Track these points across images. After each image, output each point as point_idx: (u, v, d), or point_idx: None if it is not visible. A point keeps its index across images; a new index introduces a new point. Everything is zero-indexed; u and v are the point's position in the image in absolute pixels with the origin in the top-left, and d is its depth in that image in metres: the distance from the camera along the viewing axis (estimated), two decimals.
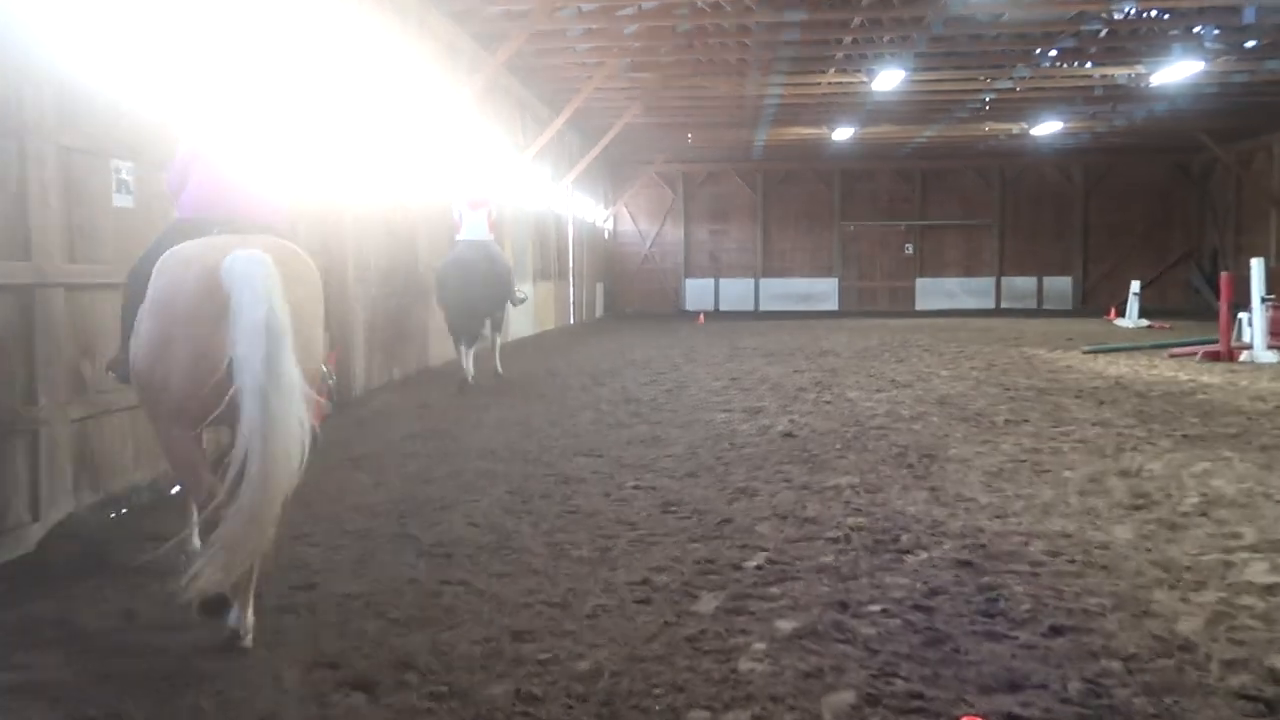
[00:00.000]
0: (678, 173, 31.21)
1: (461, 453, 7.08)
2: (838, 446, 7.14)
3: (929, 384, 10.85)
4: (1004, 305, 30.42)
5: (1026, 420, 8.20)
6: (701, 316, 26.67)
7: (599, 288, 28.99)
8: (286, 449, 2.68)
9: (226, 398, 2.76)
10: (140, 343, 3.11)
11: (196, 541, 3.73)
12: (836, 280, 31.20)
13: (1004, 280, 30.73)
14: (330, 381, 4.03)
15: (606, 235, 31.03)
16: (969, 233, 30.96)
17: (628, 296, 31.75)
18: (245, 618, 3.23)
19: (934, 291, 30.89)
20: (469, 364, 10.50)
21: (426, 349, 12.50)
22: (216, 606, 3.10)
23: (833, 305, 30.92)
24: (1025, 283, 30.63)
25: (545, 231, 20.57)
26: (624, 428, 8.19)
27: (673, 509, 5.34)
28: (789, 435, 7.65)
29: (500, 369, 11.28)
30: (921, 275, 31.05)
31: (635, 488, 5.87)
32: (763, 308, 31.02)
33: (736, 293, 31.34)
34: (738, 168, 31.07)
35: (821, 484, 5.90)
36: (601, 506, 5.42)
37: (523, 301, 11.37)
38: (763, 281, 31.35)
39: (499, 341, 11.42)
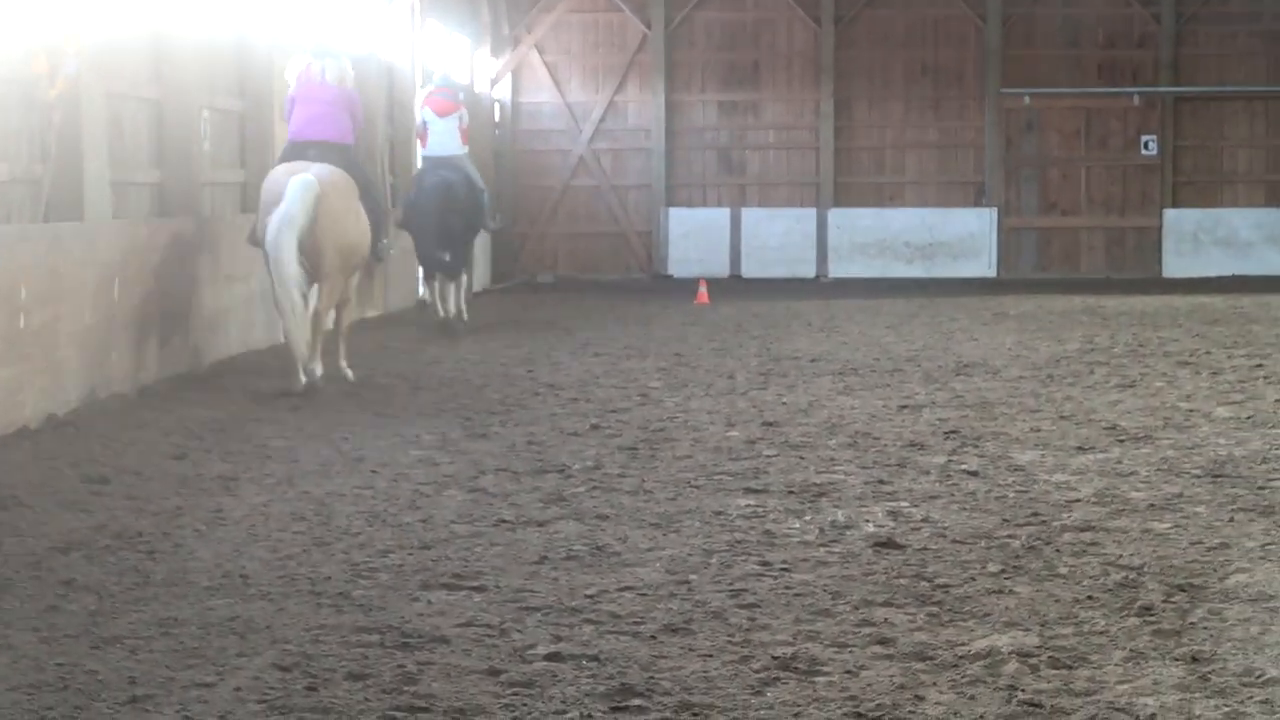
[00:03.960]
0: None
1: (178, 579, 7.08)
2: (992, 569, 7.20)
3: (1188, 435, 10.95)
4: None
5: None
6: (703, 289, 26.75)
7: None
8: (282, 262, 13.80)
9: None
10: (260, 221, 14.64)
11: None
12: (992, 214, 31.45)
13: None
14: (391, 249, 17.64)
15: (498, 114, 31.02)
16: (1274, 111, 31.33)
17: (544, 246, 31.82)
18: (316, 368, 14.09)
19: (1200, 237, 31.23)
20: (439, 301, 19.86)
21: (106, 359, 12.44)
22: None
23: (985, 267, 31.18)
24: None
25: (364, 107, 20.55)
26: (531, 527, 8.24)
27: (634, 703, 5.37)
28: (887, 545, 7.73)
29: (465, 315, 20.59)
30: (1175, 204, 31.37)
31: (553, 657, 5.91)
32: (835, 271, 31.23)
33: (778, 239, 31.53)
34: None
35: (957, 648, 5.95)
36: (482, 698, 5.44)
37: (498, 229, 20.02)
38: (835, 215, 31.54)
39: (465, 283, 20.71)
